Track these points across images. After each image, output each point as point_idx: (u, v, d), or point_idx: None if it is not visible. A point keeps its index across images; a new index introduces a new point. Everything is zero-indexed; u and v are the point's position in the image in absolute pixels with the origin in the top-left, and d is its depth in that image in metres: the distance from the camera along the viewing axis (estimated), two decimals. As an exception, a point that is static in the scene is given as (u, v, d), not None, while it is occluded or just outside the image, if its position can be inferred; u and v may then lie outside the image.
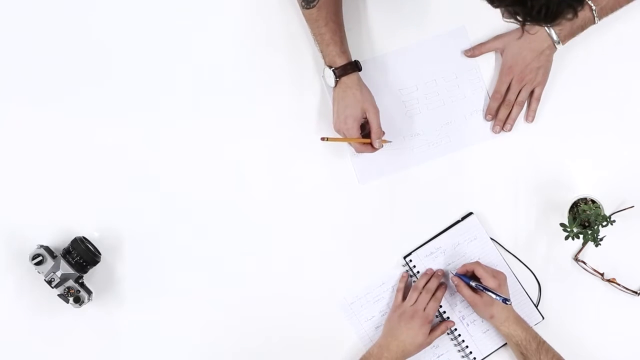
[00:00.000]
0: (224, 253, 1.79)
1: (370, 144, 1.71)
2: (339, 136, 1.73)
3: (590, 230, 1.67)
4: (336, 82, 1.71)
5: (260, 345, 1.78)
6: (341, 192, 1.80)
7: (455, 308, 1.78)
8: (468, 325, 1.78)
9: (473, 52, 1.80)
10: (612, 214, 1.72)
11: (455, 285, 1.75)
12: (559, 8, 1.27)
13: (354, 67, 1.71)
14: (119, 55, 1.79)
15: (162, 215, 1.78)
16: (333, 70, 1.70)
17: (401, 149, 1.80)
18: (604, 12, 1.72)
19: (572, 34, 1.74)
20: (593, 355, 1.77)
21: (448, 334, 1.78)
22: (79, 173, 1.78)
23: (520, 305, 1.77)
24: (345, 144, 1.77)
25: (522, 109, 1.79)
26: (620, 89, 1.80)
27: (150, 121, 1.79)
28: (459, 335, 1.77)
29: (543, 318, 1.78)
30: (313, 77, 1.80)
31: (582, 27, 1.73)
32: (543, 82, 1.78)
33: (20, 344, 1.77)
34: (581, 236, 1.67)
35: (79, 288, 1.71)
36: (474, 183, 1.80)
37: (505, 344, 1.75)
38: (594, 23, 1.73)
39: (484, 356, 1.77)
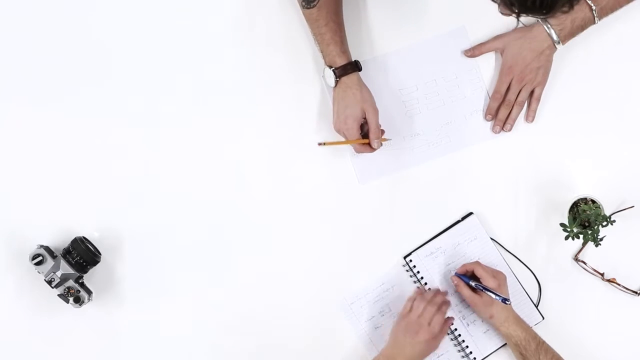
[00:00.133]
0: (224, 253, 1.79)
1: (369, 144, 1.71)
2: (337, 138, 1.73)
3: (590, 230, 1.67)
4: (336, 82, 1.71)
5: (260, 345, 1.78)
6: (341, 192, 1.80)
7: (455, 308, 1.78)
8: (468, 325, 1.78)
9: (473, 52, 1.80)
10: (612, 214, 1.72)
11: (455, 285, 1.75)
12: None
13: (354, 67, 1.71)
14: (119, 55, 1.79)
15: (162, 215, 1.78)
16: (333, 70, 1.70)
17: (401, 149, 1.80)
18: (604, 12, 1.72)
19: (572, 34, 1.74)
20: (593, 355, 1.77)
21: (448, 334, 1.78)
22: (79, 173, 1.78)
23: (520, 305, 1.77)
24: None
25: (522, 109, 1.79)
26: (620, 89, 1.80)
27: (151, 121, 1.79)
28: (459, 335, 1.77)
29: (543, 318, 1.78)
30: (313, 77, 1.80)
31: (582, 27, 1.73)
32: (543, 82, 1.78)
33: (20, 344, 1.77)
34: (581, 236, 1.67)
35: (79, 288, 1.71)
36: (474, 183, 1.80)
37: (505, 344, 1.75)
38: (594, 23, 1.73)
39: (484, 356, 1.77)
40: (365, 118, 1.71)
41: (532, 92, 1.78)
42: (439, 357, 1.77)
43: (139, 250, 1.78)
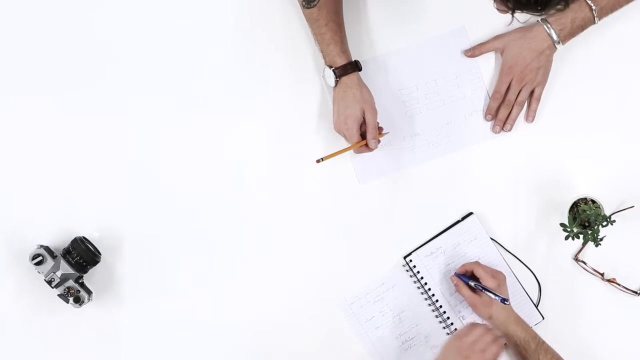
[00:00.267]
0: (224, 253, 1.78)
1: (367, 144, 1.71)
2: (335, 143, 1.74)
3: (590, 230, 1.67)
4: (336, 82, 1.71)
5: (260, 345, 1.78)
6: (341, 192, 1.80)
7: (455, 308, 1.78)
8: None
9: (473, 52, 1.80)
10: (612, 214, 1.72)
11: (455, 285, 1.75)
12: None
13: (354, 67, 1.71)
14: (119, 55, 1.79)
15: (162, 215, 1.78)
16: (333, 70, 1.70)
17: (401, 149, 1.80)
18: (604, 12, 1.72)
19: (572, 34, 1.74)
20: (593, 355, 1.77)
21: (448, 334, 1.78)
22: (79, 173, 1.78)
23: (520, 305, 1.77)
24: (343, 146, 1.76)
25: (522, 109, 1.79)
26: (620, 89, 1.80)
27: (151, 121, 1.79)
28: (459, 335, 1.78)
29: (543, 318, 1.78)
30: (313, 77, 1.80)
31: (582, 27, 1.73)
32: (543, 82, 1.78)
33: (20, 344, 1.77)
34: (581, 236, 1.67)
35: (79, 288, 1.71)
36: (474, 183, 1.80)
37: (505, 344, 1.74)
38: (594, 23, 1.73)
39: (484, 356, 1.77)
40: (365, 118, 1.71)
41: (532, 92, 1.78)
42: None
43: (139, 250, 1.78)
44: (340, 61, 1.70)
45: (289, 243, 1.79)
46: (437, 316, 1.78)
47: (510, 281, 1.75)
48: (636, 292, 1.78)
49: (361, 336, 1.79)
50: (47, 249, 1.72)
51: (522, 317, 1.72)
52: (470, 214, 1.79)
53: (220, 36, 1.80)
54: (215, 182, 1.79)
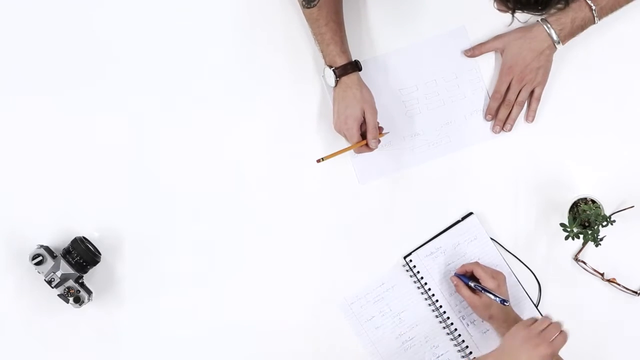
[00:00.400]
0: (224, 253, 1.78)
1: (367, 144, 1.71)
2: (335, 144, 1.74)
3: (590, 230, 1.67)
4: (336, 82, 1.71)
5: (260, 345, 1.78)
6: (341, 192, 1.80)
7: (455, 308, 1.78)
8: (468, 325, 1.78)
9: (473, 52, 1.80)
10: (612, 214, 1.72)
11: (455, 286, 1.75)
12: None
13: (354, 67, 1.71)
14: (119, 55, 1.79)
15: (162, 215, 1.78)
16: (333, 70, 1.70)
17: (401, 149, 1.80)
18: (604, 12, 1.72)
19: (572, 34, 1.74)
20: (593, 355, 1.77)
21: (448, 334, 1.78)
22: (79, 173, 1.78)
23: (520, 305, 1.77)
24: (344, 146, 1.76)
25: (522, 109, 1.79)
26: (620, 89, 1.80)
27: (151, 121, 1.79)
28: (459, 335, 1.77)
29: (543, 318, 1.78)
30: (313, 77, 1.80)
31: (582, 27, 1.73)
32: (543, 82, 1.78)
33: (20, 344, 1.77)
34: (581, 236, 1.67)
35: (79, 288, 1.71)
36: (474, 183, 1.80)
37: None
38: (594, 23, 1.73)
39: (484, 356, 1.77)
40: (365, 118, 1.71)
41: (532, 92, 1.78)
42: (438, 357, 1.78)
43: (139, 250, 1.78)
44: (341, 61, 1.70)
45: (289, 243, 1.79)
46: (437, 316, 1.78)
47: (510, 281, 1.75)
48: (636, 292, 1.78)
49: (361, 336, 1.79)
50: (47, 249, 1.72)
51: (522, 317, 1.72)
52: (470, 214, 1.79)
53: (220, 36, 1.80)
54: (216, 182, 1.79)
